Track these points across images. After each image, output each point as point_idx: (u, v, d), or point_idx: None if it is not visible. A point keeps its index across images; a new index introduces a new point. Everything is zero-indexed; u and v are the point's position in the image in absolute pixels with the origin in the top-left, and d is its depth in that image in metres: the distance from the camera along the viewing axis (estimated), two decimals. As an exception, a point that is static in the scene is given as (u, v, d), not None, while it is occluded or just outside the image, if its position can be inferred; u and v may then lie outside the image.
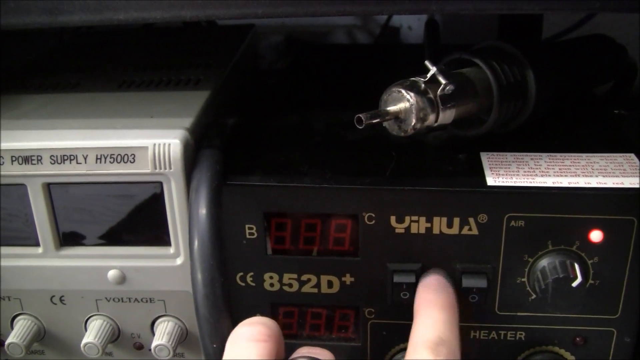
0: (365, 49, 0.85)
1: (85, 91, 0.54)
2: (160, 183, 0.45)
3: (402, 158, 0.46)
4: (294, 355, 0.40)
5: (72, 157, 0.44)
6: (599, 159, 0.45)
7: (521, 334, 0.46)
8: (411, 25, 0.91)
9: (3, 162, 0.45)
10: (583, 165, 0.44)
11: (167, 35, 0.73)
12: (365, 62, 0.70)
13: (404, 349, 0.47)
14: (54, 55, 0.66)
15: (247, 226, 0.45)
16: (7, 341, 0.48)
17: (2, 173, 0.45)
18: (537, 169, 0.44)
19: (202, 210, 0.41)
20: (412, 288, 0.44)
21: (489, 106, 0.44)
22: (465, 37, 0.62)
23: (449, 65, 0.46)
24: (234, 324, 0.45)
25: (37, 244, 0.47)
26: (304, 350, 0.41)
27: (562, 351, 0.46)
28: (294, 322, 0.48)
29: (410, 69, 0.43)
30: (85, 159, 0.44)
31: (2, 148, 0.45)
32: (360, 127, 0.39)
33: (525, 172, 0.43)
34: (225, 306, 0.41)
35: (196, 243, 0.41)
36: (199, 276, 0.41)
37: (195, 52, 0.64)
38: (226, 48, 0.65)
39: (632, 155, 0.45)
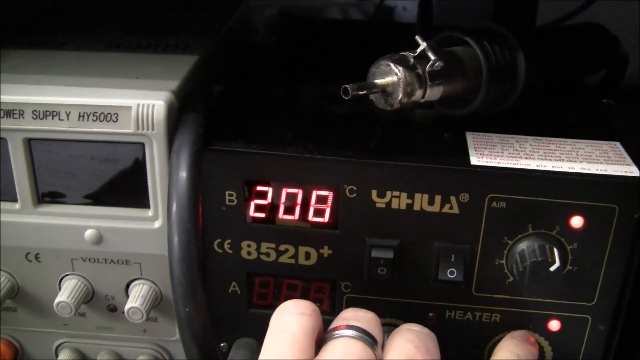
0: (359, 25, 0.84)
1: (73, 50, 0.54)
2: (142, 144, 0.44)
3: (387, 133, 0.45)
4: (339, 320, 0.40)
5: (54, 113, 0.44)
6: (584, 145, 0.45)
7: (496, 317, 0.46)
8: (406, 6, 0.91)
9: (-16, 115, 0.44)
10: (568, 151, 0.44)
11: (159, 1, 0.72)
12: (358, 39, 0.69)
13: (379, 325, 0.47)
14: (45, 15, 0.66)
15: (227, 192, 0.44)
16: (-21, 297, 0.48)
17: (-18, 126, 0.44)
18: (522, 151, 0.44)
19: (182, 173, 0.41)
20: (390, 264, 0.44)
21: (477, 86, 0.44)
22: (461, 22, 0.61)
23: (440, 43, 0.45)
24: (209, 290, 0.44)
25: (14, 200, 0.47)
26: (348, 314, 0.40)
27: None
28: (269, 293, 0.47)
29: (402, 47, 0.42)
30: (67, 115, 0.44)
31: (-17, 100, 0.44)
32: (346, 98, 0.39)
33: (509, 153, 0.43)
34: (200, 271, 0.40)
35: (174, 206, 0.41)
36: (175, 239, 0.40)
37: (186, 18, 0.63)
38: (218, 16, 0.65)
39: (618, 144, 0.45)
